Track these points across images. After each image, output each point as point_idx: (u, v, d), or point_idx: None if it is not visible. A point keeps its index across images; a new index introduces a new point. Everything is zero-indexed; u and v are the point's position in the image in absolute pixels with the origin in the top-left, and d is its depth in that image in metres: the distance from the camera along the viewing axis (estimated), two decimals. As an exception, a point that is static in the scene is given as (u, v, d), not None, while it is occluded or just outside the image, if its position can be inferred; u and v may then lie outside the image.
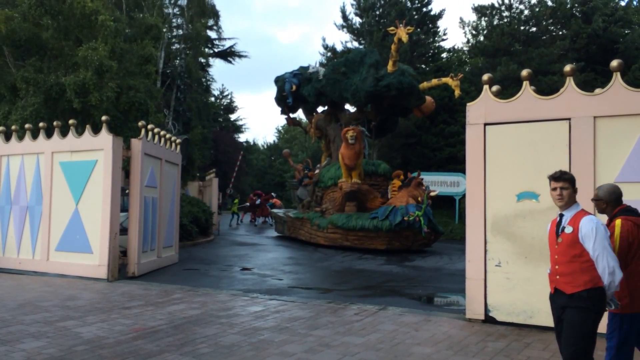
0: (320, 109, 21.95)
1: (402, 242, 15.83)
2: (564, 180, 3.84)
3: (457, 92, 17.49)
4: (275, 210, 24.74)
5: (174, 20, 31.21)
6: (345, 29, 35.27)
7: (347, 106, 20.69)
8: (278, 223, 21.56)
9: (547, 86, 23.29)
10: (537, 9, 30.23)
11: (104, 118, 10.63)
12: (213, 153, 40.24)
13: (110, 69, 15.19)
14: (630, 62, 25.08)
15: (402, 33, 16.48)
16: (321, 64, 28.67)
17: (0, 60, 16.24)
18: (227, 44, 39.37)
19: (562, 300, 3.79)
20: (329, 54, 35.56)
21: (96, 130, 10.73)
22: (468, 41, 34.57)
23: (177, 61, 30.05)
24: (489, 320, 6.71)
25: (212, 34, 36.65)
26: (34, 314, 6.95)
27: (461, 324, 6.69)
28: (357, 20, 34.76)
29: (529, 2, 30.67)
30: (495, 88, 7.02)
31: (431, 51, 34.33)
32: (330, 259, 14.39)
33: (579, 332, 3.66)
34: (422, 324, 6.65)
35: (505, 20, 30.87)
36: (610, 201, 4.26)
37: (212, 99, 47.10)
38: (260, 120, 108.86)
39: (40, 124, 11.49)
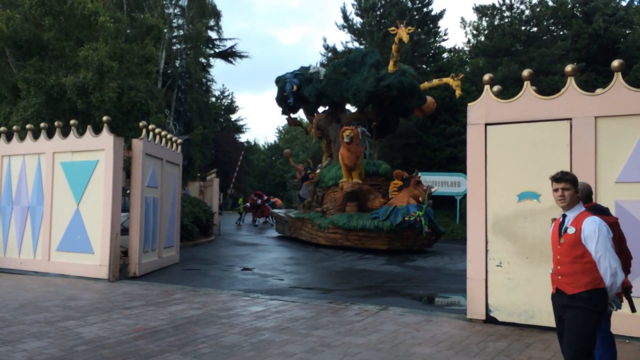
0: (321, 109, 21.96)
1: (403, 242, 15.83)
2: (565, 181, 3.84)
3: (458, 92, 17.49)
4: (276, 211, 24.75)
5: (174, 20, 31.24)
6: (346, 29, 35.27)
7: (348, 106, 20.71)
8: (279, 223, 21.56)
9: (548, 86, 23.28)
10: (538, 9, 30.22)
11: (105, 118, 10.63)
12: (214, 153, 40.26)
13: (111, 70, 15.20)
14: (631, 62, 25.06)
15: (403, 33, 16.47)
16: (322, 64, 28.69)
17: (1, 60, 16.25)
18: (228, 44, 39.43)
19: (564, 301, 3.80)
20: (329, 54, 35.57)
21: (97, 131, 10.73)
22: (469, 41, 34.55)
23: (178, 61, 30.09)
24: (490, 320, 6.71)
25: (212, 34, 36.69)
26: (35, 314, 6.95)
27: (462, 324, 6.68)
28: (357, 20, 34.77)
29: (530, 2, 30.67)
30: (496, 88, 7.02)
31: (432, 51, 34.32)
32: (331, 259, 14.39)
33: (581, 333, 3.66)
34: (423, 324, 6.65)
35: (506, 20, 30.86)
36: (581, 198, 4.28)
37: (213, 99, 47.12)
38: (261, 121, 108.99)
39: (42, 125, 11.50)
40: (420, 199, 15.86)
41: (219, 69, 76.92)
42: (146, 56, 17.85)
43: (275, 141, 65.84)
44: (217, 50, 38.96)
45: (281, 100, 21.78)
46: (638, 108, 6.04)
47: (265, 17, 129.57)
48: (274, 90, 22.91)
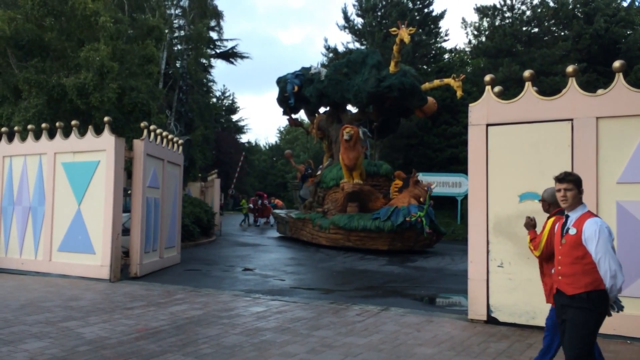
0: (322, 110, 21.96)
1: (404, 243, 15.82)
2: (568, 182, 3.84)
3: (459, 93, 17.48)
4: (277, 211, 24.75)
5: (175, 21, 31.29)
6: (347, 30, 35.30)
7: (349, 107, 20.70)
8: (280, 224, 21.56)
9: (549, 87, 23.29)
10: (539, 10, 30.22)
11: (106, 119, 10.64)
12: (215, 154, 40.28)
13: (112, 70, 15.22)
14: (633, 62, 25.05)
15: (404, 34, 16.47)
16: (323, 65, 28.74)
17: (3, 61, 16.28)
18: (229, 45, 39.46)
19: (564, 301, 3.81)
20: (331, 54, 35.60)
21: (98, 131, 10.74)
22: (470, 42, 34.60)
23: (179, 62, 30.12)
24: (491, 321, 6.71)
25: (214, 35, 36.73)
26: (36, 315, 6.96)
27: (463, 325, 6.68)
28: (358, 21, 34.80)
29: (531, 3, 30.68)
30: (497, 89, 7.02)
31: (433, 52, 34.34)
32: (332, 259, 14.38)
33: (580, 333, 3.66)
34: (425, 325, 6.65)
35: (507, 21, 30.87)
36: (552, 202, 4.55)
37: (214, 99, 47.14)
38: (262, 121, 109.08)
39: (43, 125, 11.51)
40: (421, 199, 15.86)
41: (220, 70, 77.10)
42: (147, 57, 17.87)
43: (276, 142, 65.89)
44: (218, 51, 39.00)
45: (282, 100, 21.79)
46: (639, 109, 6.03)
47: (266, 18, 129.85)
48: (275, 91, 22.94)
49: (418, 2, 33.54)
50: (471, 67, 33.10)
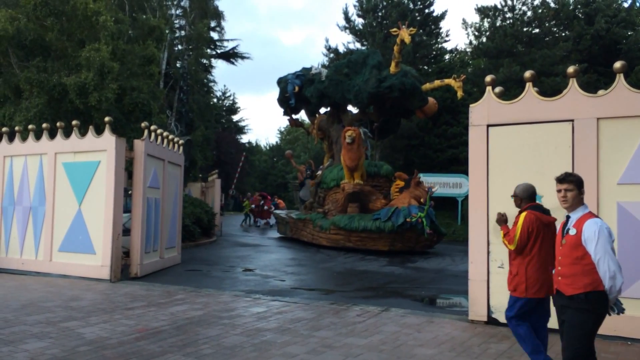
0: (322, 110, 21.95)
1: (405, 244, 15.82)
2: (568, 182, 3.84)
3: (459, 94, 17.48)
4: (277, 211, 24.75)
5: (176, 21, 31.30)
6: (347, 30, 35.28)
7: (350, 107, 20.70)
8: (280, 224, 21.55)
9: (550, 87, 23.28)
10: (540, 11, 30.21)
11: (107, 119, 10.65)
12: (215, 154, 40.28)
13: (112, 70, 15.23)
14: (633, 63, 25.05)
15: (405, 34, 16.46)
16: (324, 66, 28.74)
17: (4, 61, 16.29)
18: (230, 45, 39.45)
19: (563, 301, 3.81)
20: (331, 55, 35.58)
21: (99, 131, 10.75)
22: (470, 42, 34.58)
23: (180, 62, 30.14)
24: (491, 321, 6.70)
25: (215, 35, 36.75)
26: (36, 315, 6.96)
27: (464, 326, 6.68)
28: (359, 21, 34.78)
29: (532, 4, 30.66)
30: (498, 89, 7.02)
31: (433, 52, 34.32)
32: (332, 260, 14.38)
33: (578, 334, 3.66)
34: (425, 326, 6.65)
35: (508, 21, 30.86)
36: (524, 198, 4.76)
37: (215, 100, 47.14)
38: (262, 122, 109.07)
39: (44, 125, 11.51)
40: (422, 199, 15.85)
41: (221, 70, 77.19)
42: (148, 57, 17.88)
43: (276, 142, 65.86)
44: (218, 51, 39.01)
45: (283, 101, 21.79)
46: (640, 109, 6.03)
47: (268, 19, 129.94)
48: (275, 92, 22.91)
49: (419, 3, 33.53)
50: (472, 68, 33.07)
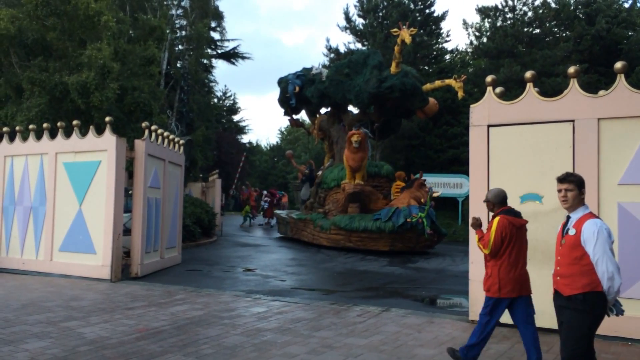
0: (323, 111, 21.95)
1: (405, 244, 15.81)
2: (568, 182, 3.84)
3: (460, 94, 17.46)
4: (278, 212, 24.74)
5: (177, 21, 31.31)
6: (348, 31, 35.27)
7: (350, 107, 20.69)
8: (281, 224, 21.56)
9: (551, 88, 23.27)
10: (540, 11, 30.19)
11: (107, 119, 10.65)
12: (216, 154, 40.26)
13: (112, 70, 15.23)
14: (634, 63, 25.02)
15: (405, 35, 16.45)
16: (324, 66, 28.72)
17: (6, 60, 16.30)
18: (231, 45, 39.45)
19: (561, 302, 3.81)
20: (332, 55, 35.58)
21: (100, 131, 10.75)
22: (471, 43, 34.55)
23: (180, 62, 30.15)
24: (492, 322, 6.68)
25: (215, 36, 36.75)
26: (37, 314, 6.96)
27: (464, 326, 6.67)
28: (360, 21, 34.77)
29: (533, 4, 30.63)
30: (498, 90, 7.01)
31: (434, 53, 34.30)
32: (333, 260, 14.38)
33: (575, 334, 3.65)
34: (425, 326, 6.64)
35: (509, 21, 30.84)
36: (496, 203, 4.90)
37: (215, 100, 47.14)
38: (263, 122, 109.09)
39: (44, 125, 11.52)
40: (422, 200, 15.85)
41: (222, 71, 77.25)
42: (148, 57, 17.88)
43: (277, 142, 65.85)
44: (219, 52, 39.01)
45: (283, 101, 21.78)
46: (641, 110, 6.03)
47: (269, 19, 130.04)
48: (276, 92, 22.90)
49: (419, 3, 33.52)
50: (472, 68, 33.05)
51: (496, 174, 6.83)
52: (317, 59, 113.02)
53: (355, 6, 34.99)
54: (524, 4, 30.75)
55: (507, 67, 26.90)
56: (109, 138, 10.31)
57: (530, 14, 30.60)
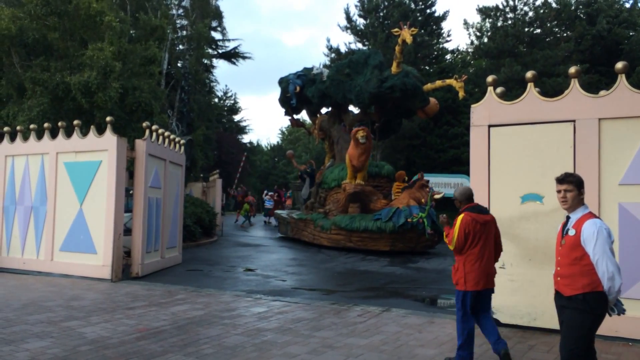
0: (324, 110, 21.95)
1: (406, 244, 15.80)
2: (568, 183, 3.83)
3: (461, 94, 17.45)
4: (278, 212, 24.74)
5: (178, 21, 31.31)
6: (349, 31, 35.31)
7: (351, 107, 20.69)
8: (281, 224, 21.56)
9: (552, 88, 23.28)
10: (541, 11, 30.19)
11: (108, 119, 10.66)
12: (216, 154, 40.26)
13: (114, 70, 15.24)
14: (635, 63, 25.03)
15: (406, 34, 16.44)
16: (325, 66, 28.73)
17: (7, 60, 16.31)
18: (232, 45, 39.46)
19: (562, 302, 3.80)
20: (333, 55, 35.61)
21: (101, 131, 10.76)
22: (472, 43, 34.59)
23: (181, 62, 30.15)
24: (492, 322, 6.69)
25: (217, 36, 36.75)
26: (38, 314, 6.97)
27: (465, 326, 6.66)
28: (361, 21, 34.81)
29: (534, 4, 30.65)
30: (499, 90, 7.01)
31: (435, 52, 34.33)
32: (333, 260, 14.38)
33: (576, 334, 3.65)
34: (426, 326, 6.64)
35: (510, 21, 30.86)
36: (462, 200, 5.10)
37: (216, 100, 47.15)
38: (264, 122, 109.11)
39: (45, 125, 11.53)
40: (422, 200, 15.84)
41: (223, 71, 77.32)
42: (149, 57, 17.89)
43: (278, 142, 65.92)
44: (220, 52, 39.01)
45: (284, 101, 21.79)
46: (642, 110, 6.02)
47: (270, 20, 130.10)
48: (277, 92, 22.88)
49: (420, 3, 33.55)
50: (473, 68, 33.08)
51: (497, 174, 6.83)
52: (317, 59, 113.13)
53: (356, 6, 35.06)
54: (525, 4, 30.78)
55: (508, 67, 26.91)
56: (110, 138, 10.32)
57: (531, 14, 30.63)
